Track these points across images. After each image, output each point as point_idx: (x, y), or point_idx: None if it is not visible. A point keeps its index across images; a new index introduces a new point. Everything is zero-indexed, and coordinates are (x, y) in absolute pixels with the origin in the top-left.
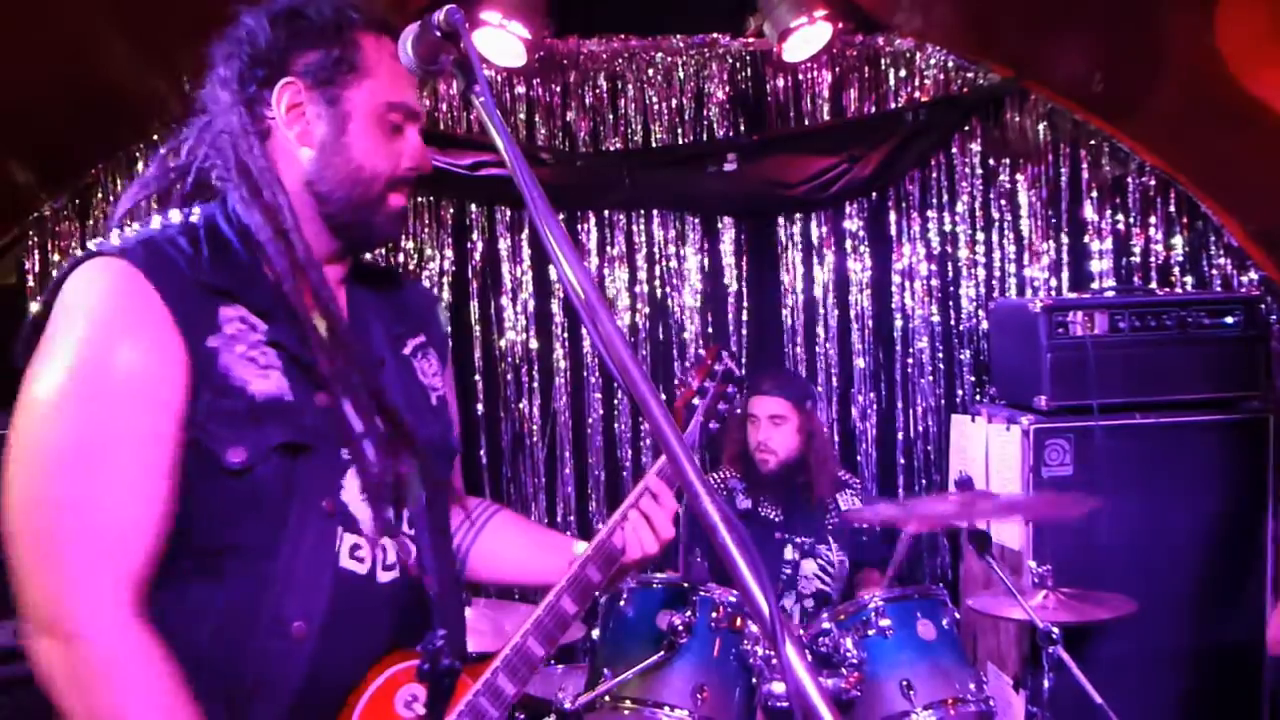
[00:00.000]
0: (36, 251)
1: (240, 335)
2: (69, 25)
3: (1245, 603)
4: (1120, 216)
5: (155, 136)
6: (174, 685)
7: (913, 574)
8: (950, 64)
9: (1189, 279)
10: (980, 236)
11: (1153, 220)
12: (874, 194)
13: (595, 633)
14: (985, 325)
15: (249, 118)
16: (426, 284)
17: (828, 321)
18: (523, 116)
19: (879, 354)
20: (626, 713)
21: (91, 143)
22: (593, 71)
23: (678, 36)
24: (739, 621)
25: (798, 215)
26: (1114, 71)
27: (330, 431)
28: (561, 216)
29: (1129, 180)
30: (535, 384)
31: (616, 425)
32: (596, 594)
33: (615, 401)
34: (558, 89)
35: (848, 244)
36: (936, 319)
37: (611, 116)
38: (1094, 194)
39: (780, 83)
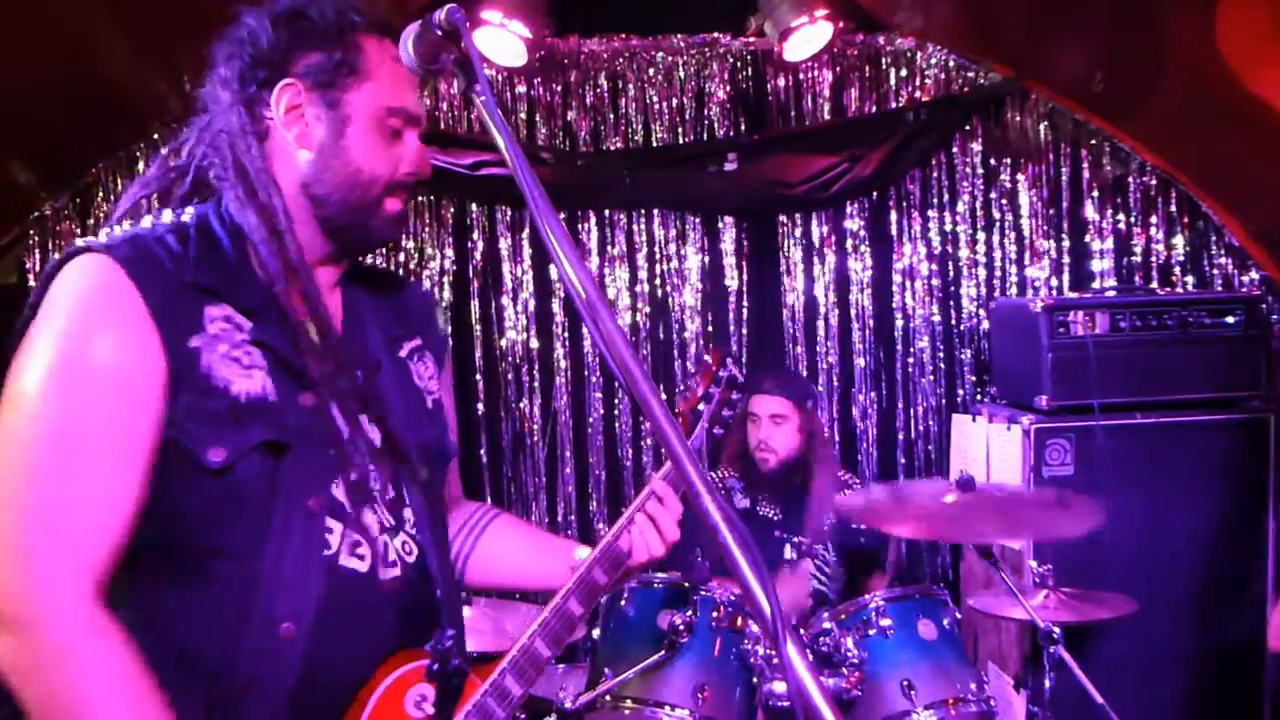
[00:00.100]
0: (37, 251)
1: (224, 335)
2: (69, 25)
3: (1246, 603)
4: (1121, 216)
5: (155, 136)
6: (135, 672)
7: (914, 574)
8: (951, 63)
9: (1190, 279)
10: (981, 236)
11: (1154, 220)
12: (875, 193)
13: (596, 632)
14: (986, 325)
15: (248, 118)
16: (427, 283)
17: (828, 321)
18: (523, 116)
19: (879, 353)
20: (627, 712)
21: (92, 142)
22: (593, 71)
23: (678, 36)
24: (740, 621)
25: (798, 215)
26: (1115, 71)
27: (316, 431)
28: (562, 216)
29: (1130, 180)
30: (536, 383)
31: (617, 425)
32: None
33: (616, 401)
34: (558, 88)
35: (848, 243)
36: (937, 318)
37: (612, 116)
38: (1095, 194)
39: (781, 82)
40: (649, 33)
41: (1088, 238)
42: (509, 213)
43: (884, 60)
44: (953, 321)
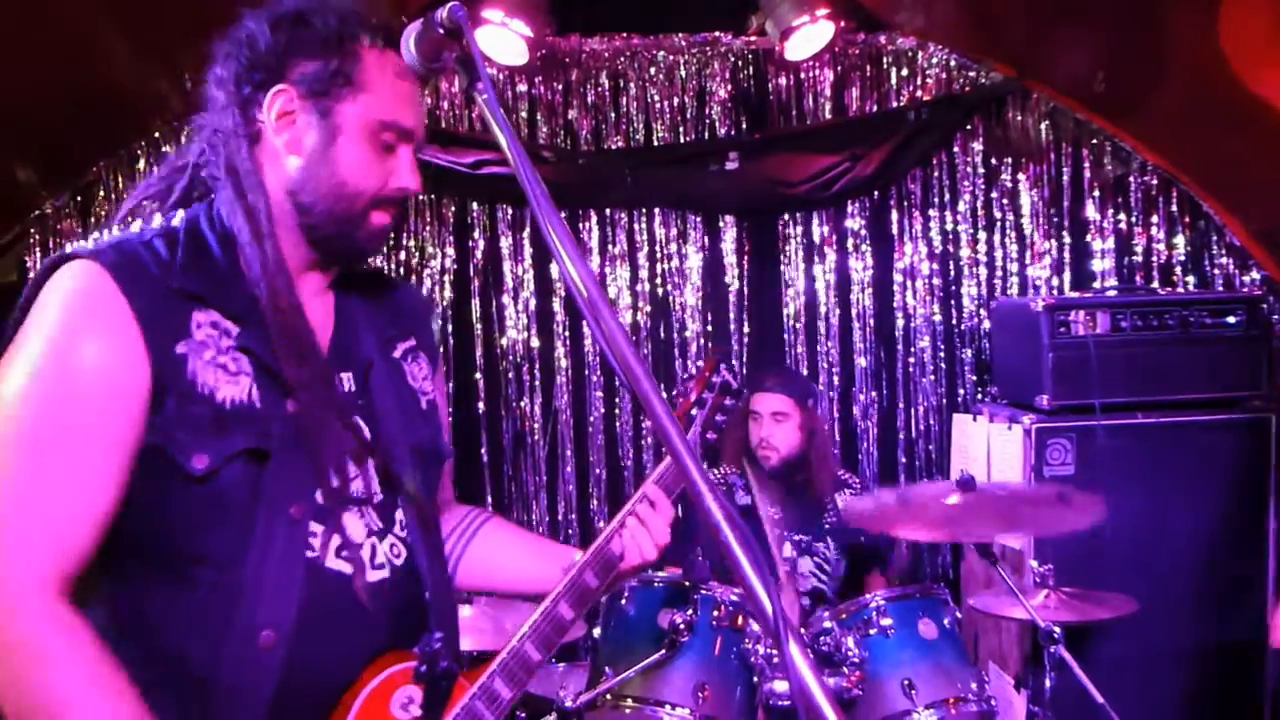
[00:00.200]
0: (38, 249)
1: (210, 341)
2: (69, 25)
3: (1247, 602)
4: (1122, 216)
5: (157, 134)
6: (103, 668)
7: (914, 573)
8: (952, 63)
9: (1191, 278)
10: (982, 235)
11: (1155, 220)
12: (876, 193)
13: (597, 631)
14: (987, 324)
15: (241, 119)
16: (428, 282)
17: (829, 320)
18: (524, 115)
19: (880, 353)
20: (628, 711)
21: (92, 141)
22: (595, 70)
23: (680, 35)
24: (740, 620)
25: (799, 214)
26: (1116, 71)
27: (299, 438)
28: (563, 215)
29: (1131, 179)
30: (537, 382)
31: (618, 424)
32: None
33: (617, 400)
34: (559, 87)
35: (849, 243)
36: (938, 318)
37: (613, 115)
38: (1096, 193)
39: (782, 81)
40: (650, 32)
41: (1089, 237)
42: (510, 211)
43: (885, 59)
44: (953, 321)
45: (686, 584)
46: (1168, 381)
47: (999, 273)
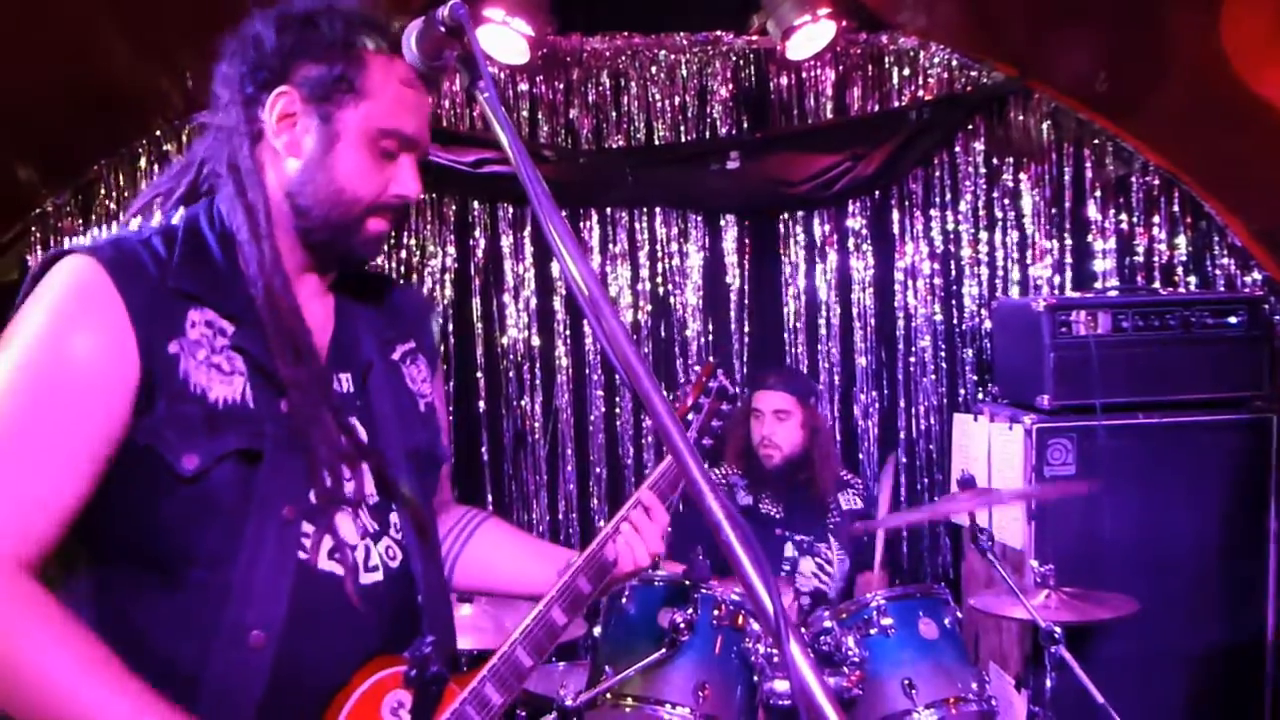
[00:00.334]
0: (39, 248)
1: (205, 340)
2: (69, 25)
3: (1248, 603)
4: (1124, 216)
5: (158, 133)
6: (69, 621)
7: (915, 573)
8: (954, 62)
9: (1192, 279)
10: (983, 235)
11: (1156, 220)
12: (877, 192)
13: (597, 630)
14: (988, 324)
15: (243, 117)
16: (429, 281)
17: (830, 320)
18: (525, 114)
19: (881, 353)
20: (628, 710)
21: (93, 140)
22: (596, 69)
23: (681, 34)
24: (741, 619)
25: (800, 213)
26: (1118, 71)
27: (293, 438)
28: (564, 214)
29: (1132, 180)
30: (537, 381)
31: (618, 422)
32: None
33: (617, 399)
34: (561, 86)
35: (850, 242)
36: (939, 318)
37: (614, 114)
38: (1097, 193)
39: (783, 81)
40: (651, 31)
41: (1090, 237)
42: (511, 210)
43: (887, 59)
44: (954, 321)
45: (687, 583)
46: (1169, 382)
47: (1000, 272)
